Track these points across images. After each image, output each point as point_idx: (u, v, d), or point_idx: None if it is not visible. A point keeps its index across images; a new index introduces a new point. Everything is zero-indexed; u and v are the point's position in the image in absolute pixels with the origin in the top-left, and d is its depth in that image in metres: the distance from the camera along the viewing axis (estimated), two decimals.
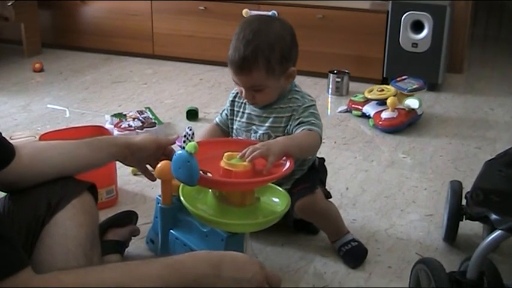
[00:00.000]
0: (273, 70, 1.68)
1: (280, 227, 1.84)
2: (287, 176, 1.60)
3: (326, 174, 1.99)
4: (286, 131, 1.77)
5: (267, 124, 1.79)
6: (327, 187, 1.97)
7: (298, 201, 1.77)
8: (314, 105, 1.79)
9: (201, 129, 2.61)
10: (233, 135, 1.88)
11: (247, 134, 1.83)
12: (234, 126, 1.87)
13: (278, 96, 1.78)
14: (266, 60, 1.66)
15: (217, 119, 1.93)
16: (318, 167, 1.94)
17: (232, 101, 1.88)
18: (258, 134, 1.81)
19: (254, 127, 1.82)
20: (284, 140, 1.61)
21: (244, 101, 1.84)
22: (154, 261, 1.13)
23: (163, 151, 1.66)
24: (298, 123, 1.73)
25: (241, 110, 1.86)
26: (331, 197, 1.93)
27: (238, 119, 1.86)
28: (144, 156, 1.63)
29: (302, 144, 1.67)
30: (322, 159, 1.98)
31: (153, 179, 1.70)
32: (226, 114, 1.90)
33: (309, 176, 1.87)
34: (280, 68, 1.70)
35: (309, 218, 1.85)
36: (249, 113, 1.83)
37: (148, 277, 1.08)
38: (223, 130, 1.90)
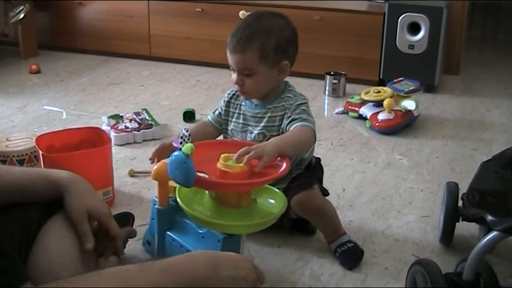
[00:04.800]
0: (266, 55, 1.72)
1: (277, 228, 1.84)
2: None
3: (322, 173, 2.00)
4: (280, 130, 1.78)
5: (262, 124, 1.81)
6: None
7: (295, 197, 1.78)
8: (306, 103, 1.81)
9: None
10: (228, 136, 1.90)
11: (243, 135, 1.85)
12: (229, 127, 1.89)
13: (270, 91, 1.80)
14: (261, 44, 1.71)
15: (209, 117, 1.94)
16: (315, 166, 1.95)
17: (228, 102, 1.90)
18: (253, 134, 1.82)
19: (250, 128, 1.84)
20: (277, 140, 1.62)
21: (240, 102, 1.86)
22: (151, 267, 1.12)
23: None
24: (291, 121, 1.75)
25: (237, 111, 1.87)
26: (328, 194, 1.94)
27: (234, 120, 1.87)
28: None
29: (295, 141, 1.67)
30: (319, 159, 2.00)
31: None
32: (220, 113, 1.91)
33: (306, 173, 1.88)
34: (274, 57, 1.73)
35: (306, 214, 1.85)
36: (245, 114, 1.85)
37: (146, 284, 1.08)
38: (215, 128, 1.92)
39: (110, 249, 1.46)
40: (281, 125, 1.78)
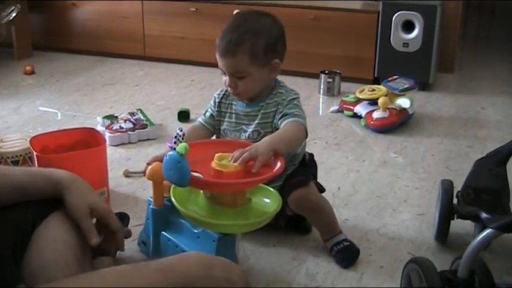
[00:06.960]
0: (256, 56, 1.71)
1: (272, 228, 1.84)
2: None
3: (316, 169, 2.00)
4: (274, 126, 1.78)
5: (256, 122, 1.81)
6: None
7: (292, 194, 1.78)
8: (297, 97, 1.82)
9: None
10: (221, 135, 1.89)
11: (236, 134, 1.84)
12: (222, 127, 1.88)
13: (262, 90, 1.80)
14: (251, 45, 1.70)
15: (200, 120, 1.92)
16: (309, 162, 1.95)
17: (219, 102, 1.89)
18: (247, 133, 1.82)
19: (243, 126, 1.83)
20: (269, 138, 1.62)
21: (231, 101, 1.85)
22: (146, 267, 1.12)
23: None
24: (282, 116, 1.76)
25: (229, 110, 1.87)
26: (324, 190, 1.94)
27: (226, 119, 1.87)
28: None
29: (287, 137, 1.68)
30: (312, 155, 2.00)
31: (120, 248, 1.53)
32: (212, 115, 1.90)
33: (302, 170, 1.88)
34: (264, 57, 1.73)
35: (303, 211, 1.85)
36: (237, 113, 1.85)
37: (141, 285, 1.08)
38: (208, 130, 1.90)
39: (112, 245, 1.49)
40: (274, 120, 1.79)
